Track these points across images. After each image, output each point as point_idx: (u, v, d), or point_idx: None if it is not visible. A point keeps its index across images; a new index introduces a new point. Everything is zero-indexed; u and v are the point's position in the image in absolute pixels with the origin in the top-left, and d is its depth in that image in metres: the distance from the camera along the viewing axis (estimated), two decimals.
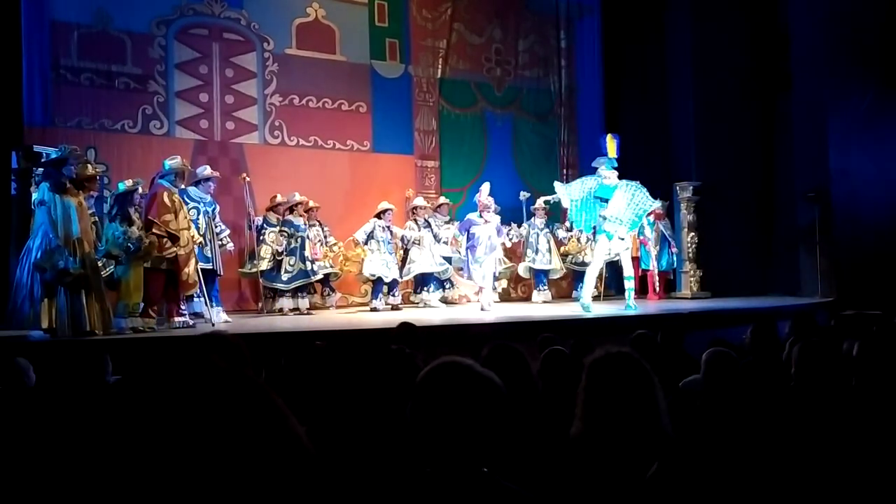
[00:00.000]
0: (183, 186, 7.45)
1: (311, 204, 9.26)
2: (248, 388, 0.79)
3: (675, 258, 10.80)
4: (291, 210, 9.03)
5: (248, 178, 8.82)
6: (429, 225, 10.02)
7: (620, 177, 8.66)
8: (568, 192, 8.83)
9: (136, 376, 0.82)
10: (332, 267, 9.38)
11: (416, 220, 9.86)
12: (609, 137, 9.15)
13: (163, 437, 0.74)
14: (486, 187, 9.22)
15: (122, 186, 6.96)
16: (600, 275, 10.92)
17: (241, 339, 2.46)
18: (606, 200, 8.41)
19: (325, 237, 9.35)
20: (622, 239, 8.49)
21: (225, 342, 2.28)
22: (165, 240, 6.82)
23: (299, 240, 8.90)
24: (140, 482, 0.72)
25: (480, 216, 8.99)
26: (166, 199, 6.95)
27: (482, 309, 8.74)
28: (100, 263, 6.55)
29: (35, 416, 2.68)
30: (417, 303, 9.84)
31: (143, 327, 6.70)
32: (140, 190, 7.19)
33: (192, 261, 7.15)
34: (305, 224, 9.07)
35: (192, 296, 7.39)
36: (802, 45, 10.66)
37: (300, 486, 0.78)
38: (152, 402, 0.78)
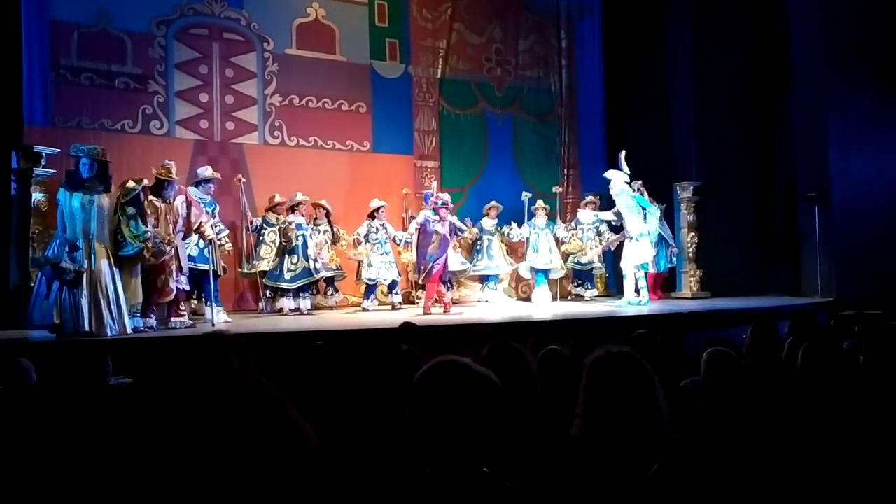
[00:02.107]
0: (173, 193, 7.41)
1: (321, 201, 9.25)
2: (259, 392, 0.80)
3: (673, 258, 10.79)
4: (293, 209, 9.02)
5: (243, 180, 8.83)
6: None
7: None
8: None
9: (151, 377, 0.84)
10: (338, 269, 9.37)
11: None
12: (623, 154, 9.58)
13: (174, 437, 0.74)
14: (434, 187, 9.25)
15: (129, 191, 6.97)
16: (601, 275, 10.99)
17: (242, 338, 2.46)
18: (644, 209, 9.52)
19: (334, 234, 9.30)
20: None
21: (226, 342, 2.28)
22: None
23: (301, 238, 8.89)
24: (150, 481, 0.73)
25: (436, 214, 8.73)
26: (146, 206, 6.94)
27: (444, 312, 8.54)
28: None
29: (35, 415, 2.68)
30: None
31: (144, 327, 6.71)
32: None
33: (174, 266, 7.07)
34: (309, 223, 9.06)
35: (206, 293, 7.41)
36: (802, 45, 10.66)
37: (308, 486, 0.78)
38: (165, 402, 0.78)
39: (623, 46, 12.00)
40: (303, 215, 9.03)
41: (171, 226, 7.07)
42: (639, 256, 9.34)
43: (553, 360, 3.12)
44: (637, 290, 9.39)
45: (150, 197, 6.98)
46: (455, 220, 9.52)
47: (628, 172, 9.45)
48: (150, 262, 6.73)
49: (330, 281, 9.38)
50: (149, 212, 6.87)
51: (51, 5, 8.48)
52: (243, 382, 0.80)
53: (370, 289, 9.32)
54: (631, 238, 9.40)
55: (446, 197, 9.01)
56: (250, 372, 0.84)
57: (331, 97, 10.17)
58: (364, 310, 9.14)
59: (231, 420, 0.76)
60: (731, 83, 11.21)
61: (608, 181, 9.55)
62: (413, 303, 9.88)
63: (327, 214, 9.33)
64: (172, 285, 7.07)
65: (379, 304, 9.46)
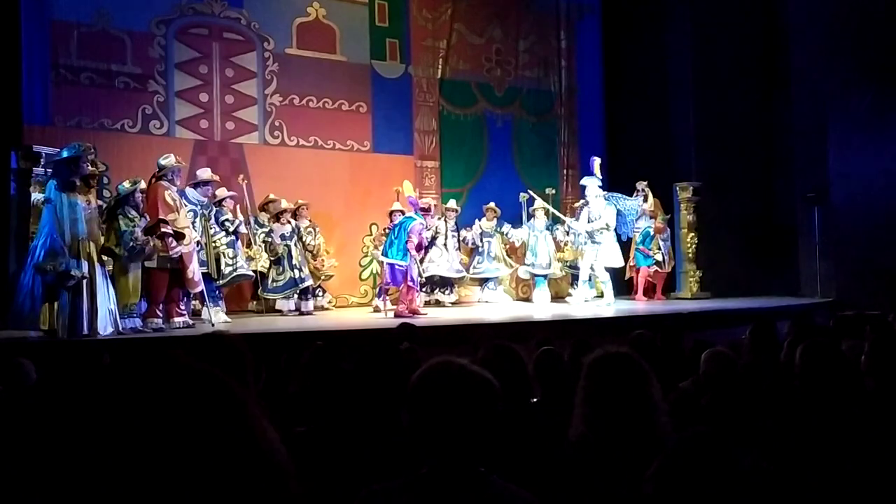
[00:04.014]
0: (179, 184, 7.42)
1: (300, 202, 9.21)
2: (214, 388, 0.75)
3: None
4: (277, 218, 8.95)
5: (245, 180, 8.80)
6: (457, 228, 10.01)
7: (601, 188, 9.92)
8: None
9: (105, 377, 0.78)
10: (328, 269, 9.37)
11: (445, 222, 9.84)
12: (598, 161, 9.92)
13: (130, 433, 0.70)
14: (409, 185, 9.18)
15: (122, 189, 6.94)
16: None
17: (242, 338, 2.46)
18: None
19: (315, 237, 9.28)
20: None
21: (226, 342, 2.28)
22: (171, 238, 6.80)
23: (286, 248, 8.86)
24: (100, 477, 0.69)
25: (420, 215, 8.65)
26: (168, 198, 6.93)
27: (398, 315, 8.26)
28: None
29: (35, 415, 2.68)
30: (429, 301, 9.80)
31: (146, 327, 6.69)
32: (142, 186, 7.12)
33: (196, 258, 7.15)
34: (293, 231, 8.95)
35: (201, 293, 7.38)
36: (802, 44, 10.67)
37: (264, 491, 0.73)
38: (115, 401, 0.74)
39: (623, 47, 12.00)
40: (287, 222, 8.93)
41: (185, 218, 7.10)
42: (612, 259, 9.67)
43: (548, 361, 3.12)
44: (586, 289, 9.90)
45: (168, 190, 6.97)
46: (470, 234, 10.02)
47: (600, 178, 9.74)
48: (164, 255, 6.73)
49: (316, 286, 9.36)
50: (170, 204, 6.86)
51: (50, 5, 8.47)
52: (198, 379, 0.76)
53: (382, 289, 9.30)
54: (601, 242, 9.59)
55: (428, 202, 9.06)
56: (216, 370, 0.78)
57: (331, 97, 10.17)
58: (377, 309, 9.13)
59: (184, 417, 0.72)
60: (731, 83, 11.21)
61: (584, 188, 9.86)
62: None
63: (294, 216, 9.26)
64: (199, 275, 7.08)
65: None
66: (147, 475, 0.68)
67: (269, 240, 8.82)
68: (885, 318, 5.22)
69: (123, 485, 0.68)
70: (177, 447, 0.69)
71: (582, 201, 10.47)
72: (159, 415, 0.71)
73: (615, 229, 9.81)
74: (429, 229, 9.18)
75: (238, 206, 8.57)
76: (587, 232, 9.79)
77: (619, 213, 9.85)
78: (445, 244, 9.75)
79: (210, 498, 0.69)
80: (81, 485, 0.69)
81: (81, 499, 0.69)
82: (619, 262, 9.82)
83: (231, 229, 8.17)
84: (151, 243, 6.61)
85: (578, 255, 10.37)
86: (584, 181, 9.88)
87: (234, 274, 8.17)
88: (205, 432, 0.70)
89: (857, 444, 2.23)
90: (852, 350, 3.10)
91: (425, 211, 9.04)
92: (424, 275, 9.68)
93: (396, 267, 8.50)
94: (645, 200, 10.58)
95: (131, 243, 6.46)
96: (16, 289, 6.20)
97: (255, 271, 8.64)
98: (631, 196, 10.26)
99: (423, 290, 9.75)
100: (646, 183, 10.52)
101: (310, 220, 9.32)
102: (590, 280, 10.80)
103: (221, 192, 8.35)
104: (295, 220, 9.16)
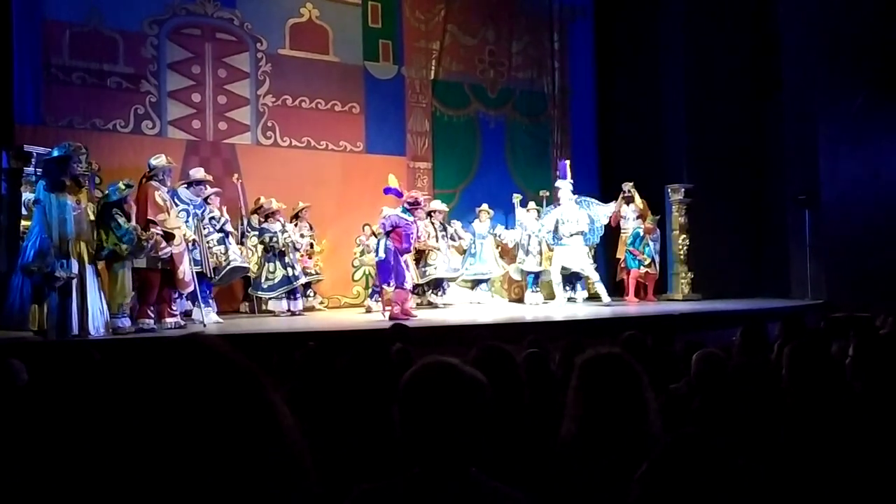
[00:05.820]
0: (169, 185, 7.39)
1: (301, 205, 9.25)
2: (242, 376, 0.76)
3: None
4: (267, 218, 8.96)
5: (240, 179, 8.82)
6: (444, 228, 10.00)
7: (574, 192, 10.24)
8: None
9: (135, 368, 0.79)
10: (318, 273, 9.40)
11: (433, 224, 9.82)
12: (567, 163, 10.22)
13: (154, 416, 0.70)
14: (393, 178, 9.05)
15: (116, 190, 6.88)
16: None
17: (222, 339, 2.46)
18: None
19: (312, 242, 9.31)
20: None
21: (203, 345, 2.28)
22: (160, 238, 6.77)
23: (287, 245, 8.84)
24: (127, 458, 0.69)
25: (408, 212, 8.31)
26: (158, 199, 6.92)
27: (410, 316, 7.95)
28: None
29: (25, 416, 2.67)
30: (421, 302, 9.81)
31: (137, 327, 6.66)
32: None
33: (187, 258, 7.13)
34: (284, 230, 8.93)
35: (193, 294, 7.34)
36: (793, 48, 10.73)
37: (282, 477, 0.74)
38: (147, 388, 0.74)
39: (615, 49, 12.05)
40: (277, 221, 8.93)
41: (176, 219, 7.09)
42: (580, 262, 9.93)
43: (534, 364, 3.13)
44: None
45: (158, 191, 6.94)
46: (456, 229, 9.91)
47: (572, 182, 10.01)
48: (154, 256, 6.69)
49: (307, 285, 9.37)
50: (160, 204, 6.83)
51: (42, 4, 8.44)
52: (228, 366, 0.76)
53: (375, 290, 9.31)
54: (567, 244, 9.71)
55: (419, 196, 8.92)
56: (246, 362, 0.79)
57: (324, 98, 10.17)
58: (369, 309, 9.12)
59: (212, 402, 0.72)
60: (723, 85, 11.27)
61: (558, 189, 10.00)
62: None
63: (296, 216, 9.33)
64: (190, 275, 7.05)
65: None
66: (165, 461, 0.68)
67: (269, 237, 8.81)
68: (873, 321, 5.25)
69: (136, 475, 0.68)
70: (199, 429, 0.69)
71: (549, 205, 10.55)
72: (183, 397, 0.71)
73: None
74: (420, 220, 8.73)
75: (225, 206, 8.56)
76: (549, 234, 9.87)
77: (589, 218, 9.92)
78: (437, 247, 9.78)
79: (233, 482, 0.69)
80: (83, 479, 0.71)
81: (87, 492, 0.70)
82: (579, 265, 9.93)
83: (217, 227, 8.15)
84: (154, 238, 6.59)
85: (546, 259, 10.41)
86: (558, 184, 10.00)
87: (229, 268, 8.15)
88: (228, 414, 0.70)
89: (843, 445, 2.25)
90: (841, 352, 3.12)
91: (413, 206, 8.43)
92: (424, 279, 9.71)
93: (379, 260, 8.25)
94: (631, 202, 10.62)
95: (135, 239, 6.43)
96: (7, 289, 6.18)
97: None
98: (605, 199, 10.33)
99: (416, 291, 9.75)
100: (631, 184, 10.56)
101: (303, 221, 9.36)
102: (583, 282, 10.85)
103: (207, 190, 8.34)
104: (297, 221, 9.23)
